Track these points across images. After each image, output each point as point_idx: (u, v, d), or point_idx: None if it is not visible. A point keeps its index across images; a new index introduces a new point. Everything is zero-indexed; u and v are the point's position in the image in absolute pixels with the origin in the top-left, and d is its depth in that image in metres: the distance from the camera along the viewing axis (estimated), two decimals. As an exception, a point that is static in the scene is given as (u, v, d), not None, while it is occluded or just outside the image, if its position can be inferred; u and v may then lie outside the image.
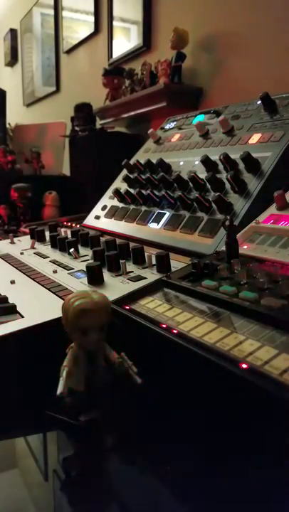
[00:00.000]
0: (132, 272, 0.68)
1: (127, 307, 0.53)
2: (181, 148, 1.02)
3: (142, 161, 1.05)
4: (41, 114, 3.11)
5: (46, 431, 0.46)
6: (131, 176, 1.06)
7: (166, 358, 0.46)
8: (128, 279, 0.64)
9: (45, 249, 0.93)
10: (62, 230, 1.01)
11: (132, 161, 1.11)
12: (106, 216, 1.06)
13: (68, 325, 0.43)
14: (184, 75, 1.47)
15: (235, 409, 0.38)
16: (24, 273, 0.75)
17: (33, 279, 0.71)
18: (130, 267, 0.70)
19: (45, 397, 0.44)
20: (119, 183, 1.13)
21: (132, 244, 0.74)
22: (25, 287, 0.68)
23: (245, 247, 0.61)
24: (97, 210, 1.13)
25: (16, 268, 0.79)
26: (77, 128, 1.94)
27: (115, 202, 1.07)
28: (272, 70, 1.18)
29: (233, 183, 0.76)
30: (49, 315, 0.53)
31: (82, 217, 1.18)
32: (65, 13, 2.63)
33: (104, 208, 1.10)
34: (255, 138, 0.83)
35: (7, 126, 2.71)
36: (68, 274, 0.72)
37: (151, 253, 0.70)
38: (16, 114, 3.31)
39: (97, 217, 1.09)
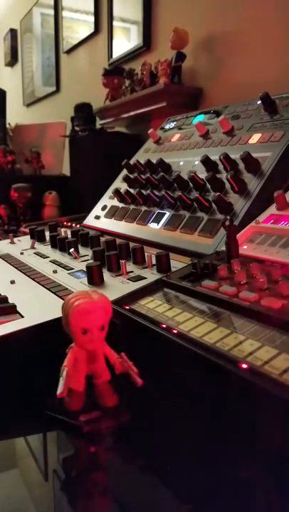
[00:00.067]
0: (132, 272, 0.68)
1: (127, 307, 0.53)
2: (181, 148, 1.02)
3: (142, 161, 1.05)
4: (41, 114, 3.11)
5: (46, 431, 0.46)
6: (131, 176, 1.06)
7: (166, 358, 0.46)
8: (128, 279, 0.64)
9: (45, 249, 0.93)
10: (62, 230, 1.01)
11: (132, 161, 1.11)
12: (106, 216, 1.06)
13: (68, 325, 0.43)
14: (184, 75, 1.47)
15: (235, 409, 0.38)
16: (24, 273, 0.75)
17: (33, 279, 0.71)
18: (130, 267, 0.70)
19: (45, 397, 0.44)
20: (119, 183, 1.13)
21: (132, 244, 0.74)
22: (25, 287, 0.68)
23: (245, 247, 0.61)
24: (97, 210, 1.13)
25: (16, 268, 0.79)
26: (77, 128, 1.94)
27: (115, 202, 1.07)
28: (272, 70, 1.18)
29: (233, 183, 0.75)
30: (49, 315, 0.53)
31: (82, 217, 1.18)
32: (65, 13, 2.63)
33: (104, 208, 1.10)
34: (255, 138, 0.83)
35: (7, 126, 2.71)
36: (68, 274, 0.72)
37: (151, 253, 0.70)
38: (16, 114, 3.31)
39: (97, 217, 1.09)
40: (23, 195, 1.67)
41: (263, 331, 0.41)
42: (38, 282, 0.69)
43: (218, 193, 0.75)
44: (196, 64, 1.48)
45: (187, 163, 0.95)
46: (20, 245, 1.00)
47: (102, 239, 0.84)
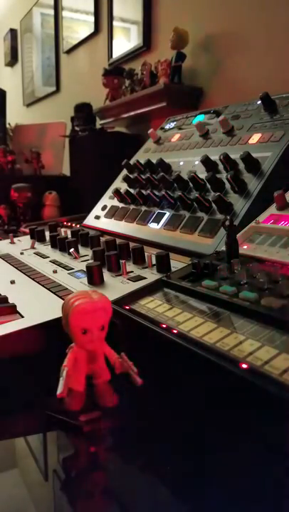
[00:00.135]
0: (132, 272, 0.68)
1: (127, 307, 0.53)
2: (181, 148, 1.02)
3: (142, 161, 1.05)
4: (41, 114, 3.11)
5: (46, 431, 0.46)
6: (131, 176, 1.06)
7: (166, 358, 0.46)
8: (128, 279, 0.64)
9: (45, 249, 0.93)
10: (63, 230, 1.01)
11: (132, 161, 1.11)
12: (106, 216, 1.06)
13: (68, 325, 0.43)
14: (184, 75, 1.47)
15: (235, 410, 0.38)
16: (24, 273, 0.75)
17: (33, 279, 0.71)
18: (130, 267, 0.70)
19: (46, 397, 0.44)
20: (119, 183, 1.13)
21: (132, 244, 0.74)
22: (25, 287, 0.68)
23: (245, 247, 0.61)
24: (97, 210, 1.13)
25: (16, 268, 0.79)
26: (77, 128, 1.94)
27: (115, 202, 1.07)
28: (272, 70, 1.18)
29: (233, 183, 0.75)
30: (49, 315, 0.53)
31: (82, 217, 1.18)
32: (65, 13, 2.63)
33: (104, 207, 1.10)
34: (255, 138, 0.83)
35: (7, 126, 2.71)
36: (68, 274, 0.72)
37: (151, 253, 0.70)
38: (16, 114, 3.31)
39: (97, 217, 1.09)
40: (23, 195, 1.67)
41: (263, 331, 0.41)
42: (38, 282, 0.69)
43: (218, 193, 0.75)
44: (196, 64, 1.48)
45: (187, 163, 0.95)
46: (21, 245, 1.00)
47: (102, 239, 0.84)
